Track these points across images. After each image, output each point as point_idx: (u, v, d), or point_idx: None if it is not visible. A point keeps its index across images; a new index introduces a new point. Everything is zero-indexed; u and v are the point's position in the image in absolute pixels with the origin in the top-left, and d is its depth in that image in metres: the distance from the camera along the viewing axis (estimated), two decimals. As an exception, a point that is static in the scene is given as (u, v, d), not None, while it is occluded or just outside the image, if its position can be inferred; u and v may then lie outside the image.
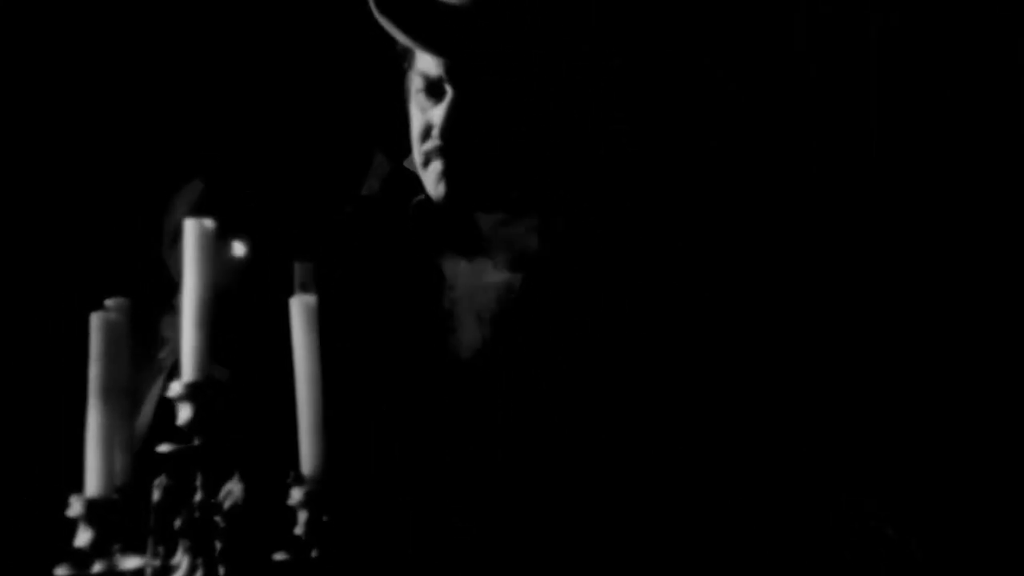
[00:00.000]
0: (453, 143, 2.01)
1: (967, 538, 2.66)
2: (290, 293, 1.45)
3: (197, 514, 1.43)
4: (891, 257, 2.78)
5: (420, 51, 2.02)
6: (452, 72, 2.00)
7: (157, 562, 1.41)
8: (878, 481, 2.42)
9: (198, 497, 1.43)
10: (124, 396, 1.42)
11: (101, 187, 1.72)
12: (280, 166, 2.80)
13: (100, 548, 1.40)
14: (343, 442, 1.75)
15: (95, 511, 1.40)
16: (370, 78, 2.52)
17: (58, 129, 2.79)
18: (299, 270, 1.43)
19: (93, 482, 1.40)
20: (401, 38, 2.01)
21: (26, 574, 2.49)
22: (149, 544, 1.41)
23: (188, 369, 1.43)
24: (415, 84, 2.05)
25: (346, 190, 2.17)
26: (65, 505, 1.41)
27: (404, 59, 2.09)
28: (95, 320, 1.42)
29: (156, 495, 1.43)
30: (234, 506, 1.44)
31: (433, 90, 2.03)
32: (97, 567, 1.40)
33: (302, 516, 1.42)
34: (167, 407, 1.43)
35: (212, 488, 1.43)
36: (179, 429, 1.43)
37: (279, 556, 1.43)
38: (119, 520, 1.41)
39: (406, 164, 2.12)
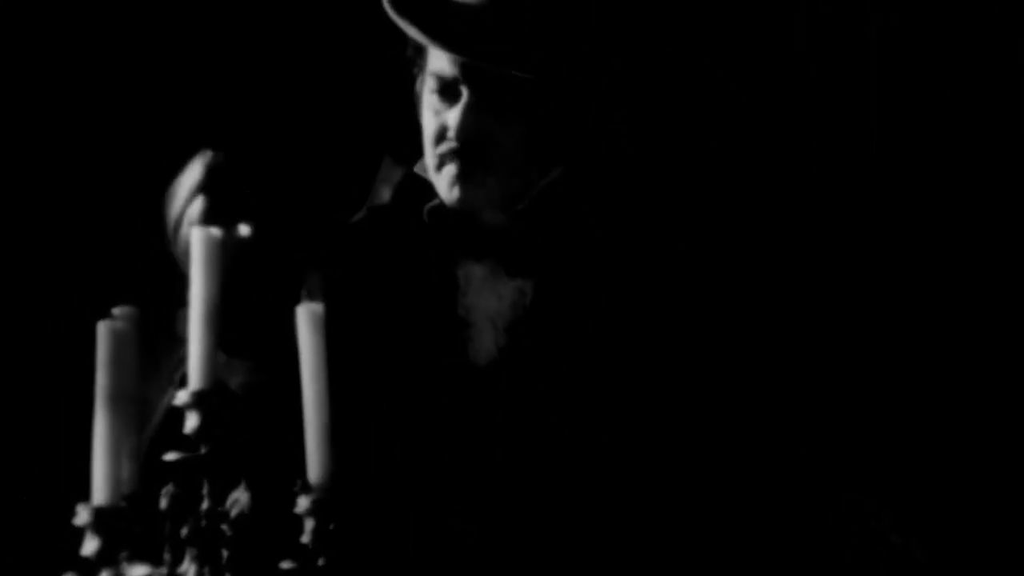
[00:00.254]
0: (468, 145, 2.00)
1: (967, 538, 2.67)
2: (298, 301, 1.44)
3: (204, 522, 1.43)
4: (891, 257, 2.78)
5: (436, 49, 2.01)
6: (467, 71, 1.99)
7: (164, 570, 1.41)
8: (878, 481, 2.42)
9: (205, 505, 1.43)
10: (131, 404, 1.42)
11: (109, 194, 1.72)
12: (288, 174, 2.80)
13: (107, 556, 1.40)
14: (355, 449, 1.76)
15: (102, 519, 1.40)
16: (379, 84, 2.52)
17: (65, 136, 2.79)
18: (307, 280, 1.43)
19: (100, 490, 1.40)
20: (418, 36, 2.00)
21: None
22: (166, 553, 1.41)
23: (195, 377, 1.43)
24: (428, 86, 2.04)
25: (355, 198, 2.16)
26: (72, 513, 1.40)
27: (415, 63, 2.08)
28: (102, 328, 1.41)
29: (163, 503, 1.43)
30: (241, 514, 1.44)
31: (447, 91, 2.02)
32: (104, 575, 1.40)
33: (309, 524, 1.42)
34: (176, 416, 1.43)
35: (219, 496, 1.43)
36: (186, 437, 1.43)
37: (286, 564, 1.43)
38: (126, 528, 1.41)
39: (416, 170, 2.11)
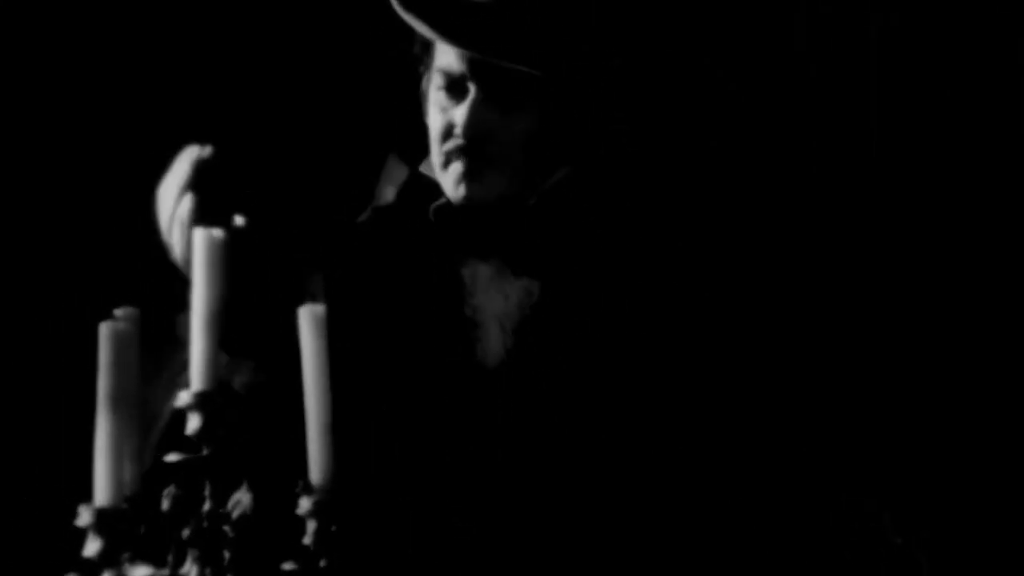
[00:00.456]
0: (475, 141, 2.00)
1: (967, 538, 2.67)
2: (300, 302, 1.44)
3: (206, 524, 1.43)
4: (891, 257, 2.78)
5: (443, 45, 2.01)
6: (475, 67, 1.99)
7: (166, 571, 1.41)
8: (878, 481, 2.42)
9: (207, 507, 1.43)
10: (133, 406, 1.42)
11: (110, 194, 1.71)
12: (293, 173, 2.79)
13: (109, 558, 1.40)
14: (362, 450, 1.76)
15: (104, 520, 1.40)
16: (384, 82, 2.52)
17: (66, 137, 2.79)
18: (309, 281, 1.43)
19: (102, 492, 1.40)
20: (425, 32, 2.00)
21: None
22: (169, 554, 1.41)
23: (197, 379, 1.42)
24: (435, 83, 2.04)
25: (360, 198, 2.16)
26: (74, 514, 1.40)
27: (421, 60, 2.08)
28: (104, 330, 1.41)
29: (165, 504, 1.43)
30: (243, 515, 1.44)
31: (454, 88, 2.02)
32: (106, 576, 1.40)
33: (311, 525, 1.42)
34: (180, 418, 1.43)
35: (221, 498, 1.43)
36: (188, 439, 1.43)
37: (288, 565, 1.43)
38: (128, 529, 1.40)
39: (422, 169, 2.11)
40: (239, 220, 1.58)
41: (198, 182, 1.73)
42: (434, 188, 2.07)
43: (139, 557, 1.41)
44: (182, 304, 1.62)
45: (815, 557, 2.18)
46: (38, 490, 2.62)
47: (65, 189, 2.76)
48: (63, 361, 2.48)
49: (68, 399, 2.26)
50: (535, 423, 1.97)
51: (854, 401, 2.65)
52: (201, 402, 1.42)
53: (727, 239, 2.15)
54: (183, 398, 1.42)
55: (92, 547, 1.40)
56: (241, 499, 1.46)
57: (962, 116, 2.80)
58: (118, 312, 1.43)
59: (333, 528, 1.41)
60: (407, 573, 1.96)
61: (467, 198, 2.02)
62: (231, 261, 1.46)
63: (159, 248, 1.79)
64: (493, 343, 2.01)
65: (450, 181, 2.03)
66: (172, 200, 1.73)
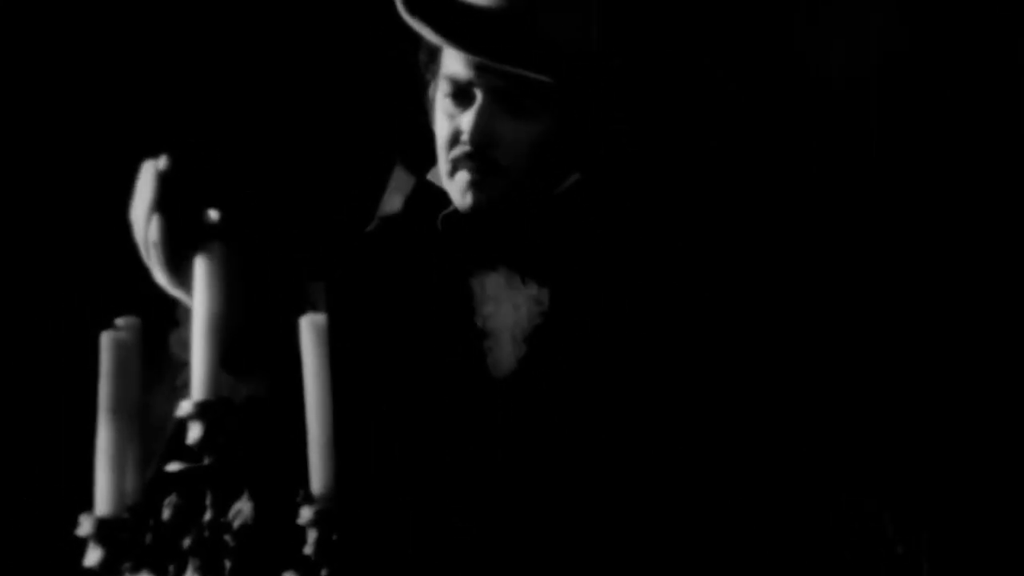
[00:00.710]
0: (482, 148, 2.00)
1: (968, 538, 2.67)
2: (302, 312, 1.44)
3: (207, 533, 1.42)
4: (891, 257, 2.78)
5: (450, 52, 2.01)
6: (482, 74, 1.99)
7: (166, 580, 1.41)
8: (878, 481, 2.42)
9: (208, 516, 1.43)
10: (134, 415, 1.41)
11: (112, 203, 1.70)
12: (298, 184, 2.79)
13: (110, 567, 1.40)
14: (371, 461, 1.76)
15: (105, 530, 1.40)
16: (390, 91, 2.51)
17: (68, 147, 2.79)
18: (310, 290, 1.43)
19: (103, 501, 1.40)
20: (432, 37, 2.00)
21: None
22: (169, 564, 1.41)
23: (198, 388, 1.42)
24: (442, 90, 2.04)
25: (367, 207, 2.15)
26: (75, 524, 1.40)
27: (428, 68, 2.08)
28: (105, 339, 1.41)
29: (166, 514, 1.43)
30: (244, 525, 1.44)
31: (461, 95, 2.02)
32: (107, 586, 1.40)
33: (312, 535, 1.42)
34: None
35: (222, 507, 1.43)
36: (189, 448, 1.42)
37: (288, 575, 1.42)
38: (129, 539, 1.40)
39: (430, 178, 2.10)
40: (213, 215, 1.52)
41: (163, 201, 1.63)
42: (442, 197, 2.06)
43: (140, 566, 1.41)
44: (174, 322, 1.62)
45: (815, 557, 2.18)
46: (39, 499, 2.62)
47: (66, 197, 2.76)
48: (64, 370, 2.48)
49: (69, 408, 2.27)
50: (546, 432, 1.97)
51: (854, 401, 2.65)
52: (202, 411, 1.42)
53: (731, 243, 2.15)
54: (184, 407, 1.42)
55: (93, 557, 1.39)
56: (242, 508, 1.46)
57: (962, 116, 2.80)
58: (119, 321, 1.42)
59: (334, 538, 1.41)
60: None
61: (474, 206, 2.02)
62: (232, 270, 1.45)
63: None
64: (503, 353, 2.01)
65: (457, 189, 2.03)
66: (142, 224, 1.66)
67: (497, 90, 1.99)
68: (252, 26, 2.85)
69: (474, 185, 2.01)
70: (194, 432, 1.42)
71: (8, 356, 2.76)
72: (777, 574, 2.04)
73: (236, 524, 1.43)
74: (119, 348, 1.41)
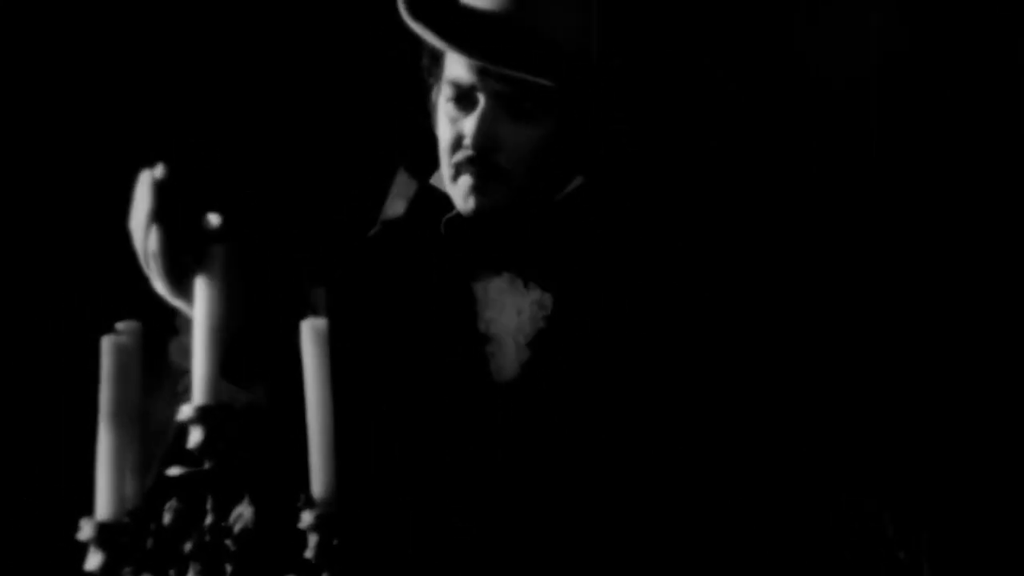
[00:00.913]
0: (485, 152, 2.00)
1: (968, 538, 2.67)
2: (303, 316, 1.44)
3: (208, 537, 1.43)
4: (891, 258, 2.78)
5: (453, 56, 2.00)
6: (484, 78, 1.99)
7: (166, 585, 1.41)
8: (878, 481, 2.42)
9: (209, 520, 1.43)
10: (135, 419, 1.42)
11: (114, 208, 1.70)
12: (300, 188, 2.79)
13: (111, 571, 1.40)
14: (373, 465, 1.75)
15: (106, 534, 1.39)
16: (393, 95, 2.51)
17: (70, 152, 2.78)
18: (311, 294, 1.43)
19: (104, 505, 1.40)
20: (435, 42, 1.99)
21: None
22: (170, 568, 1.41)
23: (199, 393, 1.42)
24: (444, 94, 2.04)
25: (370, 212, 2.15)
26: (75, 528, 1.40)
27: (431, 72, 2.08)
28: (106, 343, 1.41)
29: (167, 518, 1.43)
30: (245, 529, 1.44)
31: (464, 99, 2.02)
32: (107, 590, 1.40)
33: (312, 539, 1.42)
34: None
35: (223, 511, 1.43)
36: (190, 452, 1.43)
37: (289, 579, 1.43)
38: (130, 543, 1.40)
39: (433, 182, 2.10)
40: (213, 220, 1.51)
41: (161, 211, 1.63)
42: (444, 201, 2.06)
43: (141, 571, 1.41)
44: (173, 329, 1.62)
45: (815, 557, 2.18)
46: (40, 504, 2.62)
47: (67, 202, 2.76)
48: (65, 374, 2.48)
49: (70, 413, 2.26)
50: (548, 437, 1.97)
51: (854, 402, 2.65)
52: (203, 416, 1.42)
53: (731, 244, 2.14)
54: (185, 412, 1.42)
55: (93, 561, 1.40)
56: (243, 513, 1.46)
57: (962, 116, 2.80)
58: (120, 326, 1.42)
59: (335, 542, 1.41)
60: None
61: (477, 210, 2.02)
62: (233, 275, 1.46)
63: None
64: (506, 358, 2.01)
65: (460, 193, 2.03)
66: (141, 235, 1.66)
67: (499, 94, 1.99)
68: (257, 30, 2.85)
69: (477, 189, 2.01)
70: (195, 436, 1.42)
71: (9, 360, 2.76)
72: (777, 574, 2.04)
73: (237, 528, 1.44)
74: (120, 352, 1.41)
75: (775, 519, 2.05)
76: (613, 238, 2.08)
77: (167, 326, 1.68)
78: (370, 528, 1.48)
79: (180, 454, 1.42)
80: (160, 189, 1.62)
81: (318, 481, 1.42)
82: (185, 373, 1.47)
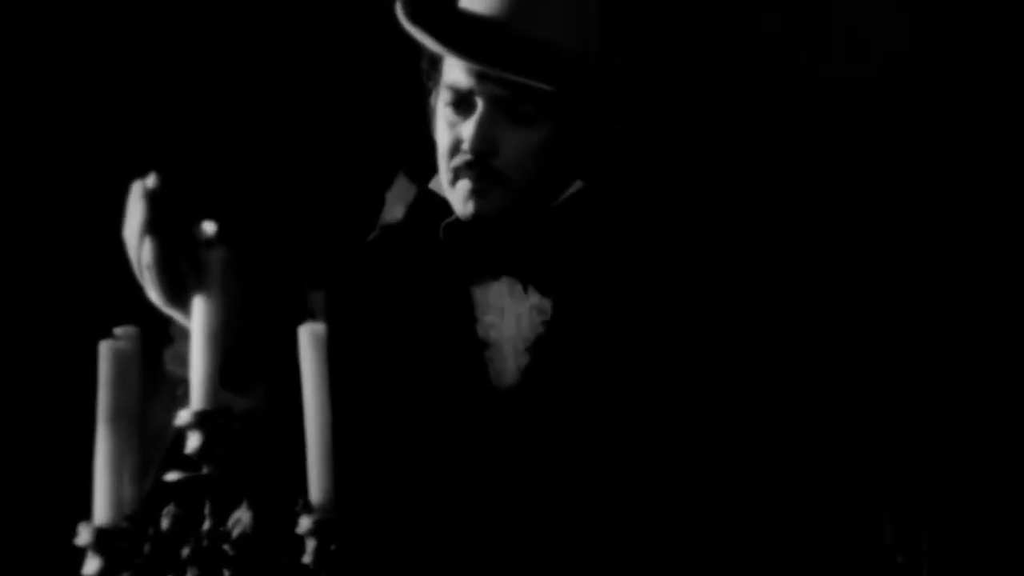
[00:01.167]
0: (483, 156, 1.99)
1: (968, 538, 2.67)
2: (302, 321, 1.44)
3: (206, 542, 1.43)
4: (891, 258, 2.78)
5: (451, 60, 2.00)
6: (483, 82, 1.98)
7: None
8: (878, 481, 2.42)
9: (207, 525, 1.43)
10: (133, 424, 1.41)
11: (113, 213, 1.69)
12: (299, 192, 2.79)
13: (108, 577, 1.40)
14: (371, 470, 1.75)
15: (104, 539, 1.39)
16: (392, 99, 2.51)
17: (70, 156, 2.79)
18: (310, 299, 1.43)
19: (102, 510, 1.40)
20: (433, 46, 1.99)
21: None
22: (171, 573, 1.41)
23: (197, 397, 1.42)
24: (443, 99, 2.03)
25: (369, 216, 2.15)
26: (73, 533, 1.40)
27: (429, 77, 2.08)
28: (104, 348, 1.41)
29: (165, 523, 1.43)
30: (243, 534, 1.44)
31: (462, 104, 2.01)
32: (105, 595, 1.40)
33: (310, 544, 1.42)
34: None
35: (221, 516, 1.43)
36: (188, 457, 1.43)
37: (287, 584, 1.43)
38: (128, 548, 1.40)
39: (431, 187, 2.10)
40: (209, 228, 1.50)
41: (154, 221, 1.61)
42: (443, 206, 2.06)
43: (138, 576, 1.41)
44: (168, 338, 1.61)
45: (815, 557, 2.18)
46: (38, 509, 2.62)
47: (66, 207, 2.76)
48: (64, 379, 2.48)
49: (68, 417, 2.26)
50: (548, 442, 1.97)
51: (854, 402, 2.66)
52: (201, 420, 1.42)
53: (731, 246, 2.14)
54: (183, 417, 1.42)
55: (91, 566, 1.39)
56: (241, 517, 1.46)
57: (962, 116, 2.80)
58: (118, 331, 1.42)
59: (333, 547, 1.41)
60: None
61: (476, 214, 2.02)
62: (231, 279, 1.45)
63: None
64: (505, 363, 2.01)
65: (459, 198, 2.03)
66: (134, 245, 1.65)
67: (498, 98, 1.99)
68: (258, 33, 2.85)
69: (476, 194, 2.01)
70: (193, 441, 1.42)
71: (8, 365, 2.76)
72: (777, 574, 2.04)
73: (235, 533, 1.44)
74: (118, 357, 1.41)
75: (775, 519, 2.04)
76: (612, 242, 2.07)
77: (162, 334, 1.67)
78: (369, 533, 1.48)
79: (178, 459, 1.42)
80: (153, 199, 1.61)
81: (316, 486, 1.42)
82: (180, 382, 1.47)
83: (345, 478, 1.42)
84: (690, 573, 2.00)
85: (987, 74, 2.79)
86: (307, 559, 1.41)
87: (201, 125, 2.79)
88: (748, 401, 2.03)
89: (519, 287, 2.04)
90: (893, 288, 2.77)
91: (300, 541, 1.42)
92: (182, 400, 1.44)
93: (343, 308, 1.83)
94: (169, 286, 1.64)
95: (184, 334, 1.44)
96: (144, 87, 2.82)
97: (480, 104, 2.00)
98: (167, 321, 1.70)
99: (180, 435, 1.43)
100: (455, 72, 2.01)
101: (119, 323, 1.43)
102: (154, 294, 1.66)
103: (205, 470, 1.42)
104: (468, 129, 2.00)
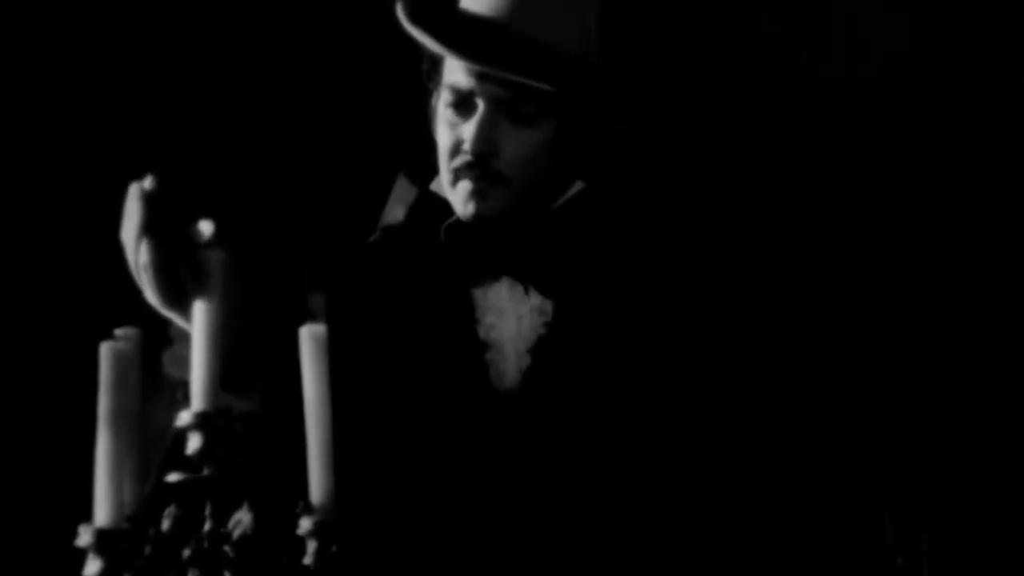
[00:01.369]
0: (484, 157, 1.99)
1: (968, 538, 2.67)
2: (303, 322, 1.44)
3: (206, 544, 1.43)
4: (891, 258, 2.78)
5: (452, 61, 2.00)
6: (483, 83, 1.98)
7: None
8: (878, 481, 2.42)
9: (207, 527, 1.43)
10: (133, 425, 1.41)
11: (113, 215, 1.69)
12: (299, 193, 2.79)
13: (109, 578, 1.40)
14: (372, 472, 1.75)
15: (104, 540, 1.39)
16: (393, 101, 2.51)
17: (71, 158, 2.79)
18: (310, 300, 1.43)
19: (102, 511, 1.40)
20: (434, 47, 1.99)
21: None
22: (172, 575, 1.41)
23: (198, 398, 1.42)
24: (443, 99, 2.03)
25: (369, 218, 2.15)
26: (74, 534, 1.40)
27: (429, 78, 2.08)
28: (104, 349, 1.41)
29: (166, 524, 1.43)
30: (243, 535, 1.44)
31: (463, 105, 2.01)
32: (106, 596, 1.40)
33: (311, 545, 1.42)
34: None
35: (222, 518, 1.43)
36: (188, 459, 1.43)
37: (288, 585, 1.43)
38: (128, 549, 1.40)
39: (432, 188, 2.10)
40: (206, 228, 1.50)
41: (151, 223, 1.62)
42: (444, 207, 2.06)
43: (139, 578, 1.41)
44: (167, 340, 1.61)
45: (815, 557, 2.18)
46: (38, 510, 2.62)
47: (66, 208, 2.76)
48: (64, 381, 2.48)
49: (68, 419, 2.26)
50: (549, 443, 1.97)
51: (854, 402, 2.66)
52: (202, 422, 1.42)
53: (731, 246, 2.14)
54: (184, 418, 1.42)
55: (92, 567, 1.39)
56: (242, 519, 1.46)
57: (962, 116, 2.80)
58: (119, 332, 1.42)
59: (334, 548, 1.41)
60: None
61: (477, 215, 2.01)
62: (232, 280, 1.45)
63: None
64: (506, 365, 2.01)
65: (459, 199, 2.03)
66: (133, 248, 1.65)
67: (499, 99, 1.99)
68: (258, 34, 2.85)
69: (476, 195, 2.01)
70: (194, 443, 1.42)
71: (9, 366, 2.76)
72: (777, 574, 2.04)
73: (236, 535, 1.44)
74: (118, 359, 1.41)
75: (775, 519, 2.05)
76: (613, 244, 2.07)
77: (161, 337, 1.67)
78: (370, 534, 1.48)
79: (179, 460, 1.42)
80: (150, 201, 1.61)
81: (317, 487, 1.42)
82: (179, 384, 1.47)
83: (346, 479, 1.42)
84: (690, 573, 1.99)
85: (987, 74, 2.79)
86: (308, 560, 1.41)
87: (200, 126, 2.79)
88: (749, 402, 2.03)
89: (520, 288, 2.04)
90: (893, 288, 2.77)
91: (301, 542, 1.42)
92: (182, 402, 1.44)
93: (344, 309, 1.83)
94: (167, 288, 1.64)
95: (183, 336, 1.45)
96: (143, 88, 2.82)
97: (481, 105, 2.00)
98: (166, 323, 1.70)
99: (180, 436, 1.43)
100: (456, 73, 2.01)
101: (119, 325, 1.43)
102: (152, 296, 1.66)
103: (206, 471, 1.42)
104: (469, 130, 2.00)
